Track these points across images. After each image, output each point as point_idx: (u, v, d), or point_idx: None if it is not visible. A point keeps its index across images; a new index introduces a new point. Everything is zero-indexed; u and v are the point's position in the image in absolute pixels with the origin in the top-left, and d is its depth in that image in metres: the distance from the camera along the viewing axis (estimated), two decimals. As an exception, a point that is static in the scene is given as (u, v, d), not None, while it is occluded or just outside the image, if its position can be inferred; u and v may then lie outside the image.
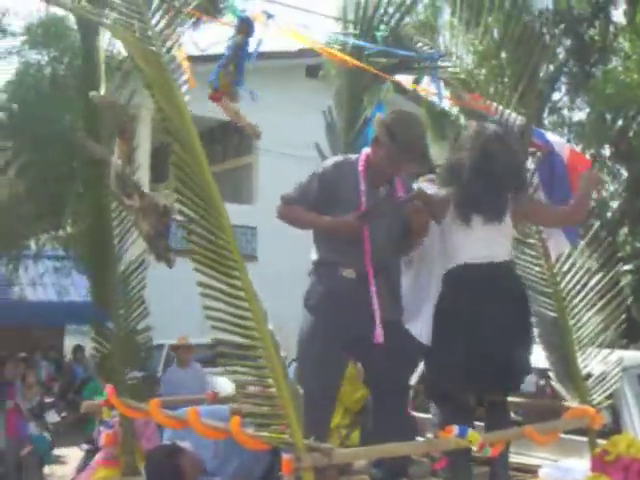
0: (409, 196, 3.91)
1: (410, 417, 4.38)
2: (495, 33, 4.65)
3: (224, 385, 10.87)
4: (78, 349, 16.78)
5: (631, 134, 13.72)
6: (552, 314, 4.47)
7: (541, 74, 10.46)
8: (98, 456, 4.41)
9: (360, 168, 3.90)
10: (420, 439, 3.78)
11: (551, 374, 4.63)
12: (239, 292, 2.91)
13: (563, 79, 14.61)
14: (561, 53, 14.47)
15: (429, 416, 4.43)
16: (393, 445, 3.29)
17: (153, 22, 3.34)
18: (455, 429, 3.45)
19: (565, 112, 14.71)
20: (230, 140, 21.29)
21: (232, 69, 3.74)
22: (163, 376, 10.04)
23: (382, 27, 4.70)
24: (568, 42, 14.34)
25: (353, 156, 4.09)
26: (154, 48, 3.18)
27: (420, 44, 4.88)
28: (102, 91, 4.19)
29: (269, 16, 3.76)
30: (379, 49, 4.83)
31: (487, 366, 3.66)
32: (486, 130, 3.93)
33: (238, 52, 3.73)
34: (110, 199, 4.24)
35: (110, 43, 4.25)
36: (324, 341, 3.72)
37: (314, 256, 3.97)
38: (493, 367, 3.68)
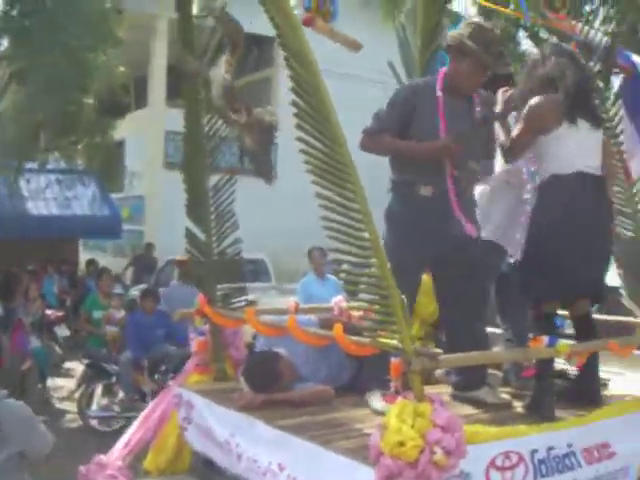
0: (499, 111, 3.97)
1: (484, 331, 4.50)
2: None
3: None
4: (91, 263, 16.82)
5: None
6: (629, 233, 4.56)
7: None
8: (191, 362, 4.61)
9: (438, 87, 3.98)
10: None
11: (622, 291, 4.75)
12: (353, 204, 3.02)
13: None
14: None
15: (498, 331, 4.60)
16: (492, 352, 3.44)
17: None
18: (545, 339, 3.60)
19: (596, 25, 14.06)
20: (249, 52, 20.96)
21: None
22: (164, 291, 10.04)
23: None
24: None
25: (429, 78, 4.17)
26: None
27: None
28: (195, 5, 4.25)
29: None
30: None
31: (582, 275, 3.81)
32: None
33: None
34: (203, 113, 4.34)
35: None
36: (401, 255, 3.81)
37: (392, 175, 4.08)
38: (587, 276, 3.84)
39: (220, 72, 3.72)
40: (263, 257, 15.66)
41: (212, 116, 4.34)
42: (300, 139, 3.02)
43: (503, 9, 4.84)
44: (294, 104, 3.02)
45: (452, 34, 3.98)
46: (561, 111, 3.81)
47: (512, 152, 3.99)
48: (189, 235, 4.46)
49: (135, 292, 13.26)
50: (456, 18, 5.63)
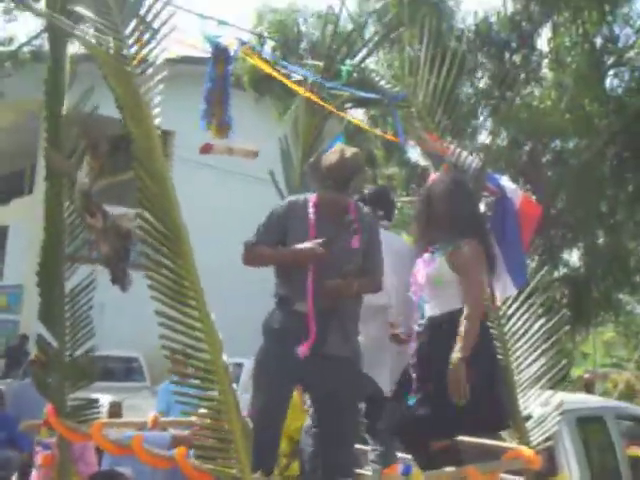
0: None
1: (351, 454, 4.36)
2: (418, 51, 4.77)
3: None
4: None
5: (544, 161, 13.85)
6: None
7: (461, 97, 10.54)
8: (34, 476, 4.30)
9: (311, 203, 3.97)
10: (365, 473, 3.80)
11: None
12: (196, 323, 2.90)
13: (484, 104, 14.47)
14: (483, 77, 14.56)
15: (366, 447, 4.47)
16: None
17: (129, 42, 3.29)
18: (400, 467, 3.48)
19: (483, 137, 14.65)
20: (122, 151, 20.81)
21: (217, 100, 3.76)
22: (15, 388, 9.59)
23: (347, 63, 4.73)
24: (490, 66, 14.36)
25: (307, 195, 4.16)
26: (128, 68, 3.13)
27: (383, 82, 4.94)
28: (65, 103, 4.13)
29: (242, 43, 3.76)
30: (342, 87, 4.88)
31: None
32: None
33: (221, 83, 3.74)
34: (65, 215, 4.16)
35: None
36: (273, 371, 3.74)
37: (275, 290, 4.02)
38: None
39: (81, 175, 3.60)
40: (138, 355, 14.86)
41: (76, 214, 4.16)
42: (143, 253, 2.89)
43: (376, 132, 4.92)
44: (139, 216, 2.90)
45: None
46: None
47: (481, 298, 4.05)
48: (39, 340, 4.20)
49: (1, 387, 12.56)
50: (339, 131, 5.69)
